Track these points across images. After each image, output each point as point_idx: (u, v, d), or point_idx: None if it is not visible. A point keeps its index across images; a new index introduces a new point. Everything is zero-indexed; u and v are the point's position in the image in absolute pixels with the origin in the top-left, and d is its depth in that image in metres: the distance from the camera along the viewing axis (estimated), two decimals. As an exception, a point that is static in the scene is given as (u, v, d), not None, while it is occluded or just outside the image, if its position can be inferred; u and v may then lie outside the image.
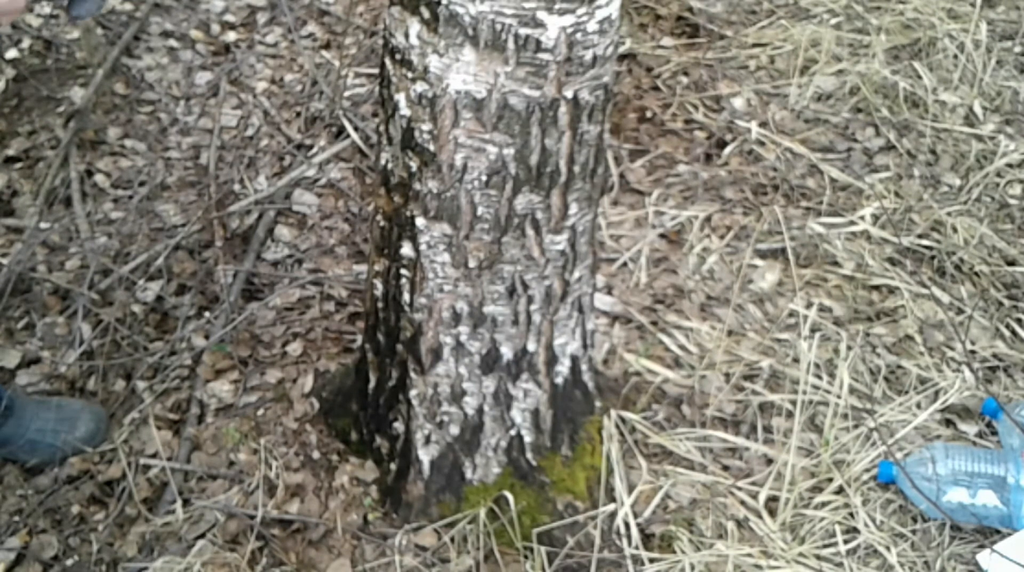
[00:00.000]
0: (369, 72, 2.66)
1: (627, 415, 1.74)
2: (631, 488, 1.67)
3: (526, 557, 1.57)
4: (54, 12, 2.85)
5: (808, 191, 2.33)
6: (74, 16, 1.33)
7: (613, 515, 1.63)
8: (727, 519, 1.64)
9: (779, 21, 2.86)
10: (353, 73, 2.62)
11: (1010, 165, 2.40)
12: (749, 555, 1.58)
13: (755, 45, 2.78)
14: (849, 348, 1.92)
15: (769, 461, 1.75)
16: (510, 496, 1.58)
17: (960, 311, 2.05)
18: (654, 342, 1.95)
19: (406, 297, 1.47)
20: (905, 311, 2.03)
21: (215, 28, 2.82)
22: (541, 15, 1.16)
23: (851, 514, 1.66)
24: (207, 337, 1.91)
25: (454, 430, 1.58)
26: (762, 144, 2.45)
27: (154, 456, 1.70)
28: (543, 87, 1.23)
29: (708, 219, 2.25)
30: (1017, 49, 2.80)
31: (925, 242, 2.19)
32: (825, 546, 1.61)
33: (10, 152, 2.35)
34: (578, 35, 1.20)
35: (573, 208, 1.39)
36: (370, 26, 2.82)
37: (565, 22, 1.18)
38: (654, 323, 1.99)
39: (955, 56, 2.68)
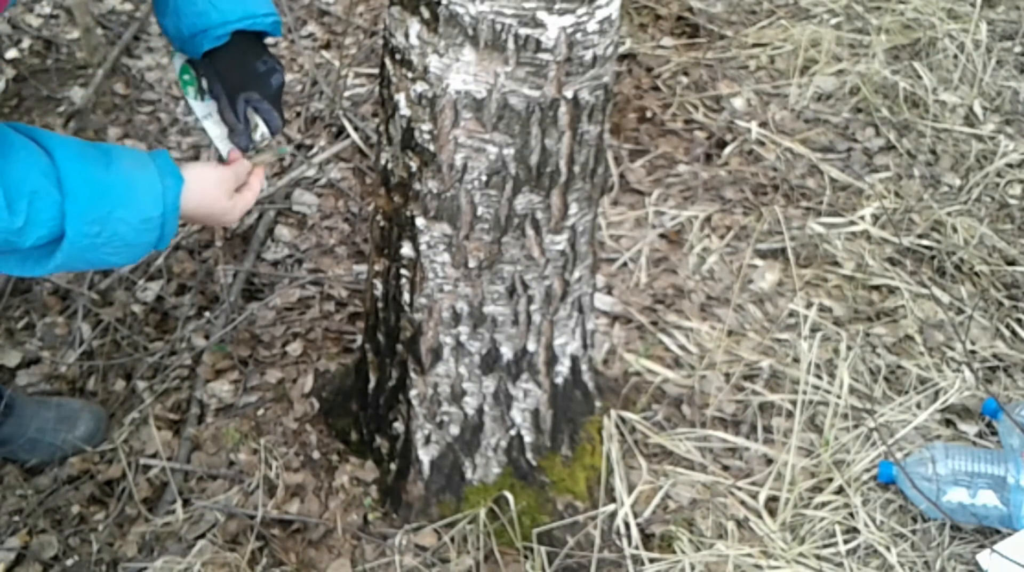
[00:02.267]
0: (369, 72, 2.66)
1: (627, 415, 1.74)
2: (631, 488, 1.67)
3: (526, 557, 1.57)
4: (54, 12, 2.85)
5: (808, 191, 2.33)
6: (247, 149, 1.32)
7: (613, 515, 1.63)
8: (727, 519, 1.64)
9: (779, 21, 2.86)
10: (353, 73, 2.62)
11: (1010, 165, 2.40)
12: (749, 555, 1.58)
13: (755, 45, 2.78)
14: (849, 348, 1.92)
15: (769, 461, 1.75)
16: (510, 496, 1.58)
17: (960, 311, 2.05)
18: (654, 342, 1.95)
19: (406, 297, 1.47)
20: (905, 311, 2.03)
21: (215, 28, 2.82)
22: (541, 15, 1.16)
23: (851, 514, 1.66)
24: (207, 337, 1.91)
25: (454, 430, 1.58)
26: (762, 144, 2.45)
27: (154, 456, 1.70)
28: (543, 87, 1.23)
29: (708, 219, 2.25)
30: (1017, 49, 2.80)
31: (925, 242, 2.19)
32: (825, 546, 1.61)
33: (10, 152, 2.34)
34: (578, 35, 1.20)
35: (573, 208, 1.39)
36: (370, 26, 2.82)
37: (565, 22, 1.18)
38: (654, 323, 1.99)
39: (955, 56, 2.68)
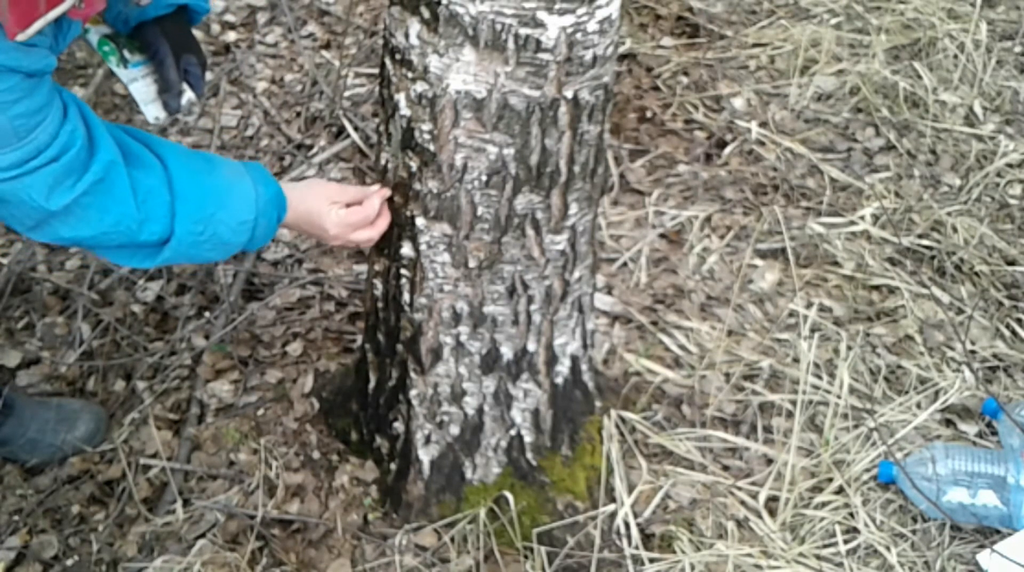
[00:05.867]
0: (369, 72, 2.66)
1: (627, 415, 1.74)
2: (631, 488, 1.67)
3: (526, 557, 1.57)
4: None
5: (808, 191, 2.33)
6: (173, 110, 1.44)
7: (613, 515, 1.63)
8: (727, 519, 1.64)
9: (779, 21, 2.86)
10: (353, 73, 2.62)
11: (1010, 165, 2.40)
12: (749, 555, 1.58)
13: (755, 45, 2.78)
14: (849, 348, 1.92)
15: (769, 461, 1.75)
16: (510, 496, 1.58)
17: (960, 311, 2.05)
18: (654, 342, 1.95)
19: (406, 297, 1.47)
20: (905, 311, 2.03)
21: (215, 28, 2.82)
22: (541, 15, 1.16)
23: (851, 514, 1.66)
24: (207, 337, 1.91)
25: (454, 430, 1.58)
26: (762, 144, 2.45)
27: (154, 456, 1.70)
28: (543, 87, 1.23)
29: (708, 219, 2.25)
30: (1017, 49, 2.80)
31: (925, 242, 2.19)
32: (825, 546, 1.61)
33: (10, 152, 2.34)
34: (578, 35, 1.20)
35: (573, 208, 1.39)
36: (370, 26, 2.82)
37: (565, 22, 1.18)
38: (654, 323, 1.99)
39: (955, 56, 2.68)
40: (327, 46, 2.78)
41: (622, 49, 2.72)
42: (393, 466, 1.64)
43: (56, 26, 1.09)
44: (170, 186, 1.21)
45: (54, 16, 0.99)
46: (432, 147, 1.30)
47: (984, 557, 1.60)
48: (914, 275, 2.12)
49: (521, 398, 1.57)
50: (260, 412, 1.77)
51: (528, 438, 1.62)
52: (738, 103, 2.59)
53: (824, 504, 1.67)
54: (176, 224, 1.21)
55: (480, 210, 1.34)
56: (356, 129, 2.44)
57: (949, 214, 2.24)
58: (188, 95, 1.44)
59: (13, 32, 0.99)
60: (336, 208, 1.36)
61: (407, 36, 1.24)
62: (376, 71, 2.63)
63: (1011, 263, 2.16)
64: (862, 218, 2.24)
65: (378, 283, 1.53)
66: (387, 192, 1.40)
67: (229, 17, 2.87)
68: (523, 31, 1.17)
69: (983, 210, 2.28)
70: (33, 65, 1.06)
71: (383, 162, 1.41)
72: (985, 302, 2.07)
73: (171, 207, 1.20)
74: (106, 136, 1.17)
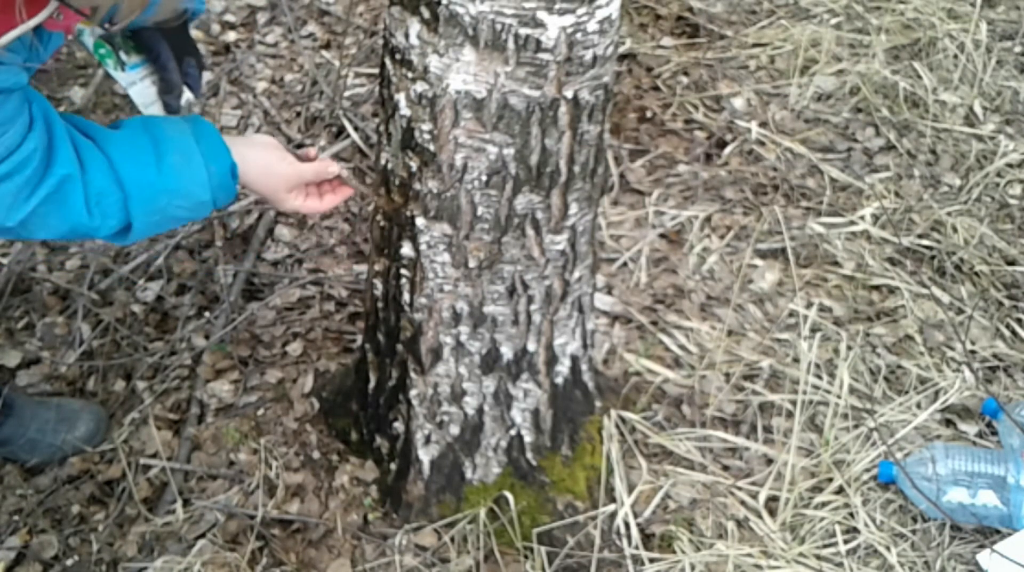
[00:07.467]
0: (369, 72, 2.66)
1: (627, 415, 1.74)
2: (631, 488, 1.67)
3: (526, 557, 1.57)
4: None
5: (808, 191, 2.33)
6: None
7: (613, 515, 1.63)
8: (727, 519, 1.65)
9: (779, 21, 2.86)
10: (353, 73, 2.62)
11: (1010, 165, 2.40)
12: (749, 555, 1.58)
13: (755, 45, 2.78)
14: (849, 348, 1.92)
15: (769, 461, 1.75)
16: (510, 496, 1.58)
17: (960, 311, 2.05)
18: (654, 342, 1.95)
19: (406, 297, 1.47)
20: (905, 311, 2.03)
21: (215, 28, 2.82)
22: (541, 15, 1.16)
23: (851, 514, 1.66)
24: (207, 337, 1.91)
25: (454, 430, 1.58)
26: (762, 144, 2.45)
27: (154, 456, 1.70)
28: (543, 87, 1.23)
29: (708, 219, 2.25)
30: (1017, 49, 2.80)
31: (925, 242, 2.19)
32: (825, 546, 1.62)
33: (10, 152, 2.34)
34: (578, 35, 1.20)
35: (573, 208, 1.39)
36: (370, 26, 2.82)
37: (565, 22, 1.18)
38: (654, 323, 1.99)
39: (955, 56, 2.68)
40: (327, 46, 2.78)
41: (622, 49, 2.72)
42: (393, 466, 1.64)
43: (36, 37, 1.08)
44: (120, 183, 1.20)
45: (32, 25, 0.99)
46: (432, 147, 1.30)
47: (984, 557, 1.60)
48: (914, 275, 2.12)
49: (521, 398, 1.57)
50: (260, 412, 1.77)
51: (528, 438, 1.62)
52: (738, 103, 2.59)
53: (824, 504, 1.67)
54: (133, 219, 1.22)
55: (480, 210, 1.34)
56: (356, 129, 2.44)
57: (949, 214, 2.24)
58: (187, 96, 1.44)
59: None
60: (289, 158, 1.36)
61: (407, 36, 1.24)
62: (376, 71, 2.63)
63: (1011, 263, 2.16)
64: (862, 218, 2.24)
65: (378, 283, 1.53)
66: (338, 168, 1.40)
67: (229, 17, 2.87)
68: (523, 31, 1.17)
69: (983, 210, 2.28)
70: (1, 83, 1.05)
71: (383, 162, 1.41)
72: (985, 302, 2.07)
73: (124, 203, 1.21)
74: (66, 149, 1.16)
